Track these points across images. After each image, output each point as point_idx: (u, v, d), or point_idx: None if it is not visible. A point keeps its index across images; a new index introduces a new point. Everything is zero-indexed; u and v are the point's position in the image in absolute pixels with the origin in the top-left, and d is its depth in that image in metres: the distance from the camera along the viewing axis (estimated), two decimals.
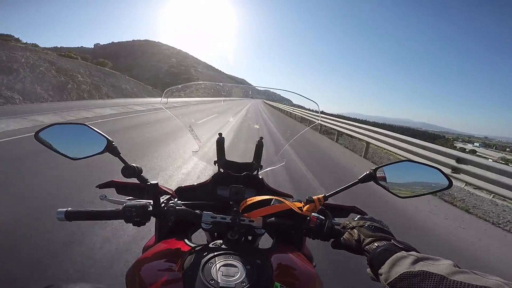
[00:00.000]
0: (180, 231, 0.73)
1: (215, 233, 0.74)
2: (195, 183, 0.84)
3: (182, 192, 0.81)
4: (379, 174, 0.66)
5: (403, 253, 0.45)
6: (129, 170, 0.61)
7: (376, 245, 0.50)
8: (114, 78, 23.04)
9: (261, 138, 0.88)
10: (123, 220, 0.60)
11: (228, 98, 1.28)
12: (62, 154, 0.64)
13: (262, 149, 0.88)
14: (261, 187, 0.85)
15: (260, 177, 0.87)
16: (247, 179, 0.84)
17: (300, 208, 0.65)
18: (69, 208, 0.59)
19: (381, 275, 0.45)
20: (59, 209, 0.58)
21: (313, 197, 0.65)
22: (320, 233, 0.62)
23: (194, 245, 0.62)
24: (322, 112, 12.30)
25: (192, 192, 0.82)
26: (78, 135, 0.66)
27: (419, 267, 0.40)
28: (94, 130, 0.63)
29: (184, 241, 0.64)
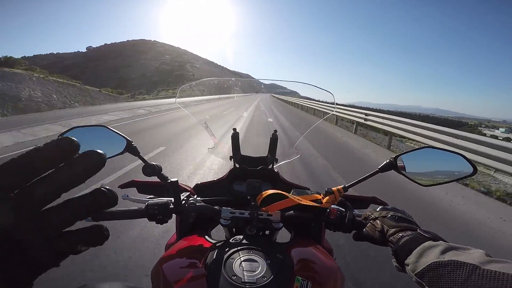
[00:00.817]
0: (200, 228, 0.74)
1: (234, 229, 0.75)
2: (213, 179, 0.85)
3: (200, 188, 0.83)
4: (399, 162, 0.64)
5: (431, 242, 0.43)
6: (150, 169, 0.62)
7: (401, 235, 0.48)
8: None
9: (275, 131, 0.87)
10: (146, 219, 0.61)
11: (239, 95, 1.28)
12: None
13: (276, 142, 0.88)
14: (277, 181, 0.85)
15: (276, 170, 0.87)
16: (263, 173, 0.84)
17: (319, 200, 0.64)
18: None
19: (407, 265, 0.43)
20: None
21: (333, 188, 0.63)
22: (341, 225, 0.61)
23: (215, 241, 0.63)
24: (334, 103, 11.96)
25: (210, 189, 0.84)
26: (98, 137, 0.67)
27: (449, 256, 0.38)
28: (114, 131, 0.65)
29: (205, 238, 0.65)
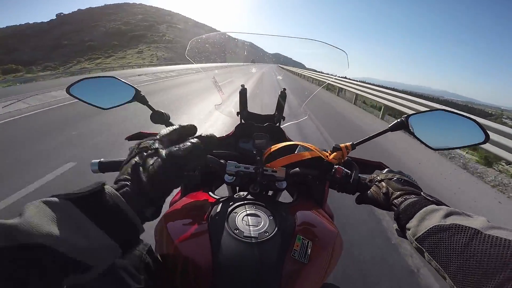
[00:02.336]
0: (205, 185, 0.75)
1: (237, 188, 0.76)
2: (219, 136, 0.83)
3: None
4: (411, 122, 0.62)
5: (434, 206, 0.42)
6: (158, 116, 0.63)
7: (405, 198, 0.48)
8: None
9: (284, 89, 0.85)
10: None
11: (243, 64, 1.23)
12: (93, 105, 0.68)
13: (285, 100, 0.85)
14: (283, 139, 0.84)
15: (282, 128, 0.87)
16: (269, 130, 0.83)
17: (326, 156, 0.63)
18: (102, 159, 0.62)
19: (409, 229, 0.43)
20: (93, 161, 0.61)
21: (340, 144, 0.62)
22: (346, 185, 0.60)
23: (219, 197, 0.64)
24: (344, 78, 11.95)
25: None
26: (107, 87, 0.68)
27: (450, 220, 0.37)
28: (123, 81, 0.65)
29: (209, 194, 0.65)
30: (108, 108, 0.68)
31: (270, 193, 0.75)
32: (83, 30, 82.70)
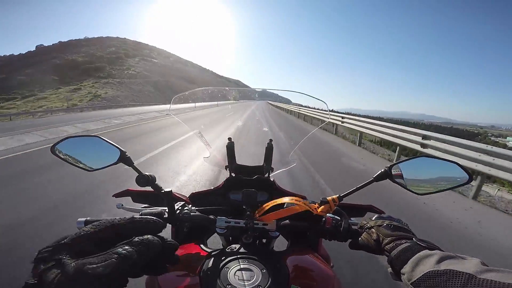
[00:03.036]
0: (196, 236, 0.74)
1: (230, 237, 0.75)
2: (209, 188, 0.85)
3: (196, 197, 0.83)
4: (395, 171, 0.64)
5: (427, 251, 0.43)
6: (143, 179, 0.62)
7: (396, 244, 0.49)
8: None
9: (271, 140, 0.88)
10: None
11: (233, 102, 1.28)
12: (78, 167, 0.66)
13: (272, 151, 0.88)
14: (273, 190, 0.85)
15: (272, 179, 0.87)
16: (259, 182, 0.84)
17: (314, 209, 0.64)
18: (88, 218, 0.61)
19: (403, 274, 0.44)
20: (79, 219, 0.60)
21: (327, 198, 0.64)
22: (336, 234, 0.61)
23: (211, 249, 0.63)
24: (331, 111, 12.44)
25: (206, 198, 0.84)
26: (91, 147, 0.67)
27: (444, 265, 0.38)
28: (107, 141, 0.65)
29: (201, 246, 0.65)
30: (92, 170, 0.66)
31: (264, 240, 0.75)
32: (40, 62, 75.77)
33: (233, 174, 0.87)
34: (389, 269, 0.49)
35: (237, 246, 0.62)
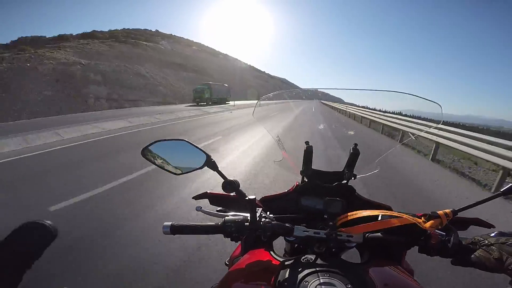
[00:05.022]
0: (262, 241, 0.72)
1: (296, 244, 0.73)
2: (280, 192, 0.83)
3: (266, 201, 0.82)
4: None
5: None
6: (230, 186, 0.63)
7: None
8: None
9: (356, 144, 0.80)
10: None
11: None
12: (165, 170, 0.71)
13: (357, 157, 0.80)
14: (353, 198, 0.79)
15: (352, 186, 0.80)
16: (338, 189, 0.79)
17: (420, 223, 0.58)
18: (174, 222, 0.63)
19: None
20: (165, 223, 0.63)
21: (439, 212, 0.57)
22: (441, 250, 0.57)
23: (283, 258, 0.61)
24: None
25: (276, 202, 0.82)
26: (179, 150, 0.70)
27: None
28: (194, 145, 0.67)
29: (271, 253, 0.64)
30: (179, 174, 0.70)
31: (333, 249, 0.69)
32: None
33: (306, 179, 0.83)
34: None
35: (313, 257, 0.58)
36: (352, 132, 1.12)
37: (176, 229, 0.63)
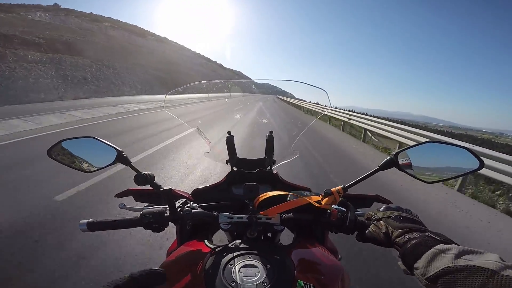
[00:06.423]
0: (201, 233, 0.74)
1: (235, 233, 0.75)
2: (211, 184, 0.84)
3: (198, 194, 0.82)
4: (401, 159, 0.61)
5: (443, 245, 0.41)
6: (141, 178, 0.61)
7: (408, 237, 0.46)
8: None
9: (271, 132, 0.86)
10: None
11: (235, 94, 1.22)
12: (75, 168, 0.67)
13: (273, 143, 0.86)
14: (277, 182, 0.84)
15: (274, 172, 0.86)
16: (261, 176, 0.83)
17: (318, 201, 0.62)
18: (90, 219, 0.60)
19: (417, 269, 0.41)
20: (81, 221, 0.60)
21: (332, 189, 0.61)
22: (342, 226, 0.59)
23: (214, 246, 0.63)
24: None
25: (208, 193, 0.83)
26: (88, 148, 0.67)
27: (463, 261, 0.36)
28: (103, 141, 0.64)
29: (204, 242, 0.65)
30: (90, 172, 0.66)
31: (269, 234, 0.74)
32: None
33: (234, 168, 0.86)
34: (400, 263, 0.46)
35: (240, 241, 0.61)
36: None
37: (93, 226, 0.60)
